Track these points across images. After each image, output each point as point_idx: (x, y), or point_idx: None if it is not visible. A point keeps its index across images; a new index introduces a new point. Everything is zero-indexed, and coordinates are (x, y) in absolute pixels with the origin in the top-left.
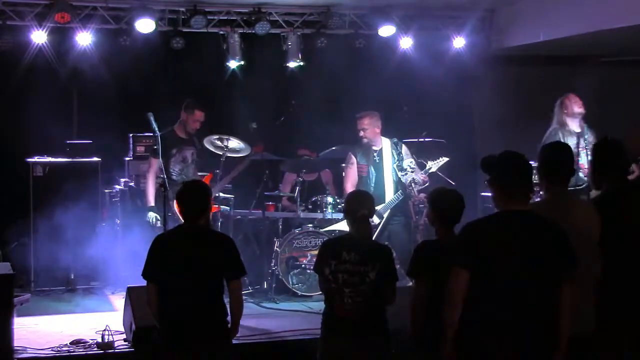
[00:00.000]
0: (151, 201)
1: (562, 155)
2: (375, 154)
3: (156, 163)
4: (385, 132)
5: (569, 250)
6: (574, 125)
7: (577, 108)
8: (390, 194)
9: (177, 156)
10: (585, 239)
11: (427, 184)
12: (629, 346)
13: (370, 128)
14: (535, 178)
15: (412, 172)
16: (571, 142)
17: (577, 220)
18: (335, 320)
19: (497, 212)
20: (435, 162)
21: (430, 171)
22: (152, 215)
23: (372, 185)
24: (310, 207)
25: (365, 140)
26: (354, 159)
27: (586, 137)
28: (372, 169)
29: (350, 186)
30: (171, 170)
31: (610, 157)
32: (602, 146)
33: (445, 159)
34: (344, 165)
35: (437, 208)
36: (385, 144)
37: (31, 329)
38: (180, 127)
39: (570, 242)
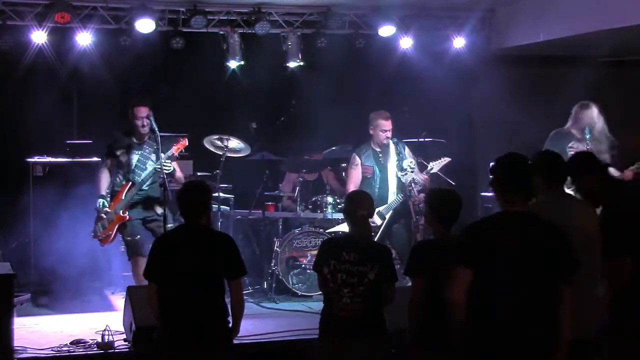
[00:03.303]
0: (101, 190)
1: (559, 157)
2: (380, 155)
3: (107, 164)
4: None
5: (569, 252)
6: (580, 130)
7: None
8: (394, 195)
9: (121, 159)
10: (586, 240)
11: (427, 184)
12: (635, 348)
13: (390, 129)
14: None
15: (411, 172)
16: (579, 146)
17: (576, 221)
18: (333, 320)
19: (497, 212)
20: (436, 162)
21: (432, 171)
22: (100, 200)
23: (377, 186)
24: (310, 207)
25: (385, 141)
26: (358, 160)
27: (588, 142)
28: (377, 169)
29: (352, 187)
30: (117, 173)
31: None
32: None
33: (447, 159)
34: (345, 165)
35: (434, 207)
36: (390, 144)
37: (31, 329)
38: (133, 130)
39: (569, 243)
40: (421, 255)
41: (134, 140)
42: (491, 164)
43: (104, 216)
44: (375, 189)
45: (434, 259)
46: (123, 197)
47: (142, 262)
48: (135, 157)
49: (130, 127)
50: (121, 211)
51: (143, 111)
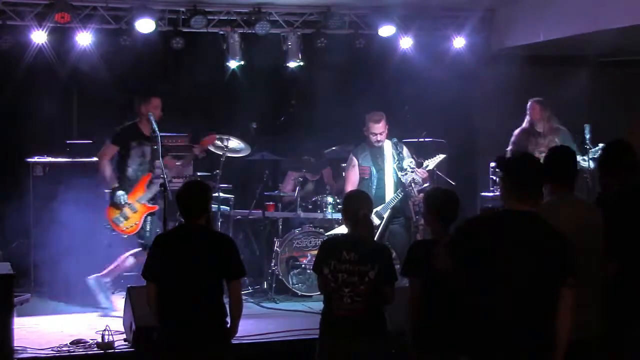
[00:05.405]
0: (114, 182)
1: (567, 157)
2: (377, 155)
3: (113, 149)
4: None
5: (568, 255)
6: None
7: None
8: (391, 195)
9: (136, 149)
10: (590, 241)
11: (427, 184)
12: (636, 348)
13: (385, 131)
14: None
15: (412, 172)
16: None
17: (581, 221)
18: (334, 320)
19: (498, 210)
20: (432, 159)
21: (427, 168)
22: (120, 193)
23: (374, 187)
24: (310, 207)
25: (379, 143)
26: (355, 161)
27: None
28: (374, 170)
29: (350, 188)
30: (128, 164)
31: (617, 157)
32: (609, 148)
33: (442, 156)
34: (344, 165)
35: (432, 207)
36: (386, 144)
37: (31, 329)
38: (142, 122)
39: (569, 246)
40: (418, 254)
41: (143, 132)
42: (494, 162)
43: (124, 209)
44: (372, 189)
45: (431, 258)
46: (146, 189)
47: None
48: (148, 149)
49: (143, 119)
50: (146, 201)
51: (159, 102)
